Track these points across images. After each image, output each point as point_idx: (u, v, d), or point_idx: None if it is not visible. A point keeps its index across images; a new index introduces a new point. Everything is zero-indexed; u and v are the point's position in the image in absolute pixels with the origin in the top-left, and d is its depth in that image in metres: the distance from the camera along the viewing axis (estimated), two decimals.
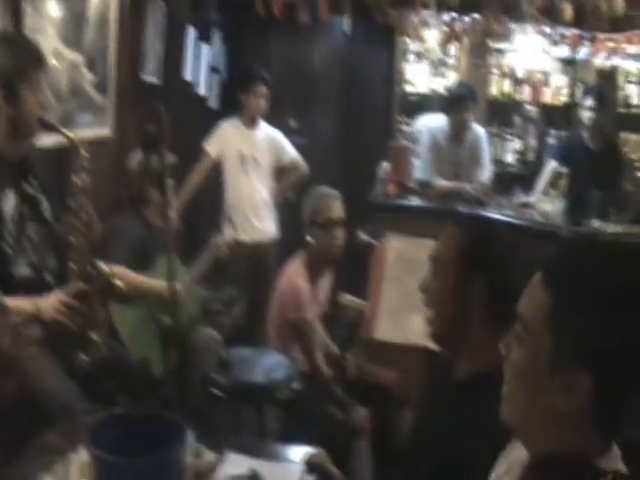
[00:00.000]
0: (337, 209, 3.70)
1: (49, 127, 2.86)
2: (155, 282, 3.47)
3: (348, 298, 3.70)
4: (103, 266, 2.85)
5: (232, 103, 5.37)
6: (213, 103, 6.21)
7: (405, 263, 3.00)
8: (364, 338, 3.15)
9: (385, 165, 5.50)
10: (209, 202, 5.35)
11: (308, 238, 3.70)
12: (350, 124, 6.65)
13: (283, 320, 3.64)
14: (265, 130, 5.25)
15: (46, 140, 3.10)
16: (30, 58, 2.79)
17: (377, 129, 6.47)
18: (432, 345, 2.46)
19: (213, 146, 5.09)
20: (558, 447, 1.29)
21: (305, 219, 3.72)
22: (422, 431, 2.13)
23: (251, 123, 5.17)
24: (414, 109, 6.39)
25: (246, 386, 3.25)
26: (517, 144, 6.60)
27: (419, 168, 5.56)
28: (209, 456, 2.16)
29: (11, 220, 2.75)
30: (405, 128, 6.44)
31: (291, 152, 5.27)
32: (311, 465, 2.21)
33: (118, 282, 2.91)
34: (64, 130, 2.89)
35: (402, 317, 2.87)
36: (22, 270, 2.76)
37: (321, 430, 3.01)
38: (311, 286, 3.67)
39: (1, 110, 2.72)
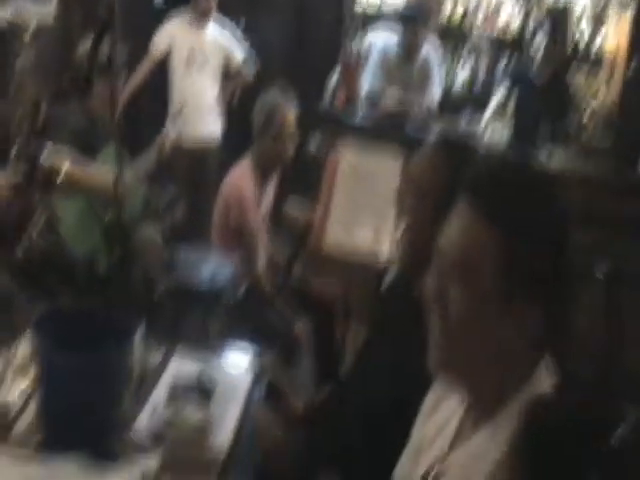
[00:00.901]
0: (290, 122, 3.57)
1: None
2: (99, 173, 3.31)
3: (293, 208, 3.59)
4: (46, 153, 2.68)
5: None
6: (159, 1, 5.91)
7: (358, 174, 2.92)
8: (310, 249, 3.08)
9: (334, 79, 5.36)
10: (153, 100, 5.13)
11: (257, 145, 3.58)
12: (301, 34, 6.42)
13: (227, 224, 3.54)
14: (215, 30, 5.04)
15: None
16: None
17: (327, 42, 6.28)
18: (381, 258, 2.43)
19: (161, 41, 4.87)
20: (500, 384, 1.25)
21: (256, 125, 3.59)
22: (372, 349, 2.10)
23: (201, 21, 4.95)
24: (366, 24, 6.21)
25: (190, 289, 3.15)
26: (466, 72, 6.50)
27: (368, 84, 5.43)
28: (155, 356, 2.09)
29: None
30: (355, 44, 6.27)
31: (239, 55, 5.08)
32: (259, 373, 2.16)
33: (60, 172, 2.74)
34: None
35: (352, 229, 2.80)
36: None
37: (264, 340, 2.96)
38: (257, 192, 3.57)
39: None
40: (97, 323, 1.87)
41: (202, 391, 1.92)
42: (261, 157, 3.59)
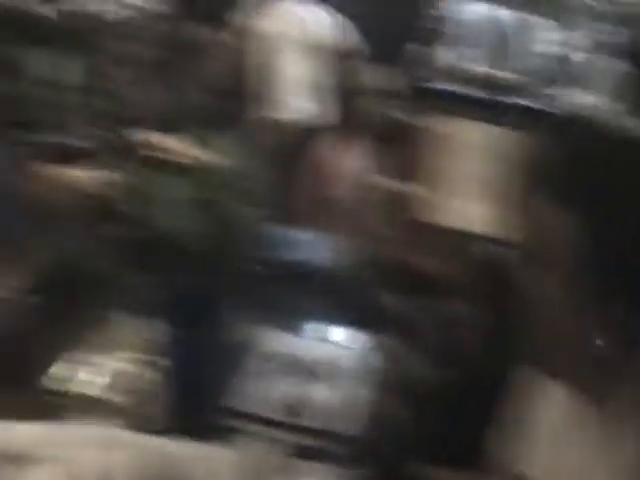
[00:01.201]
0: (373, 78, 3.49)
1: None
2: (193, 151, 3.32)
3: (383, 179, 3.50)
4: (138, 135, 2.66)
5: None
6: None
7: (462, 147, 2.81)
8: (413, 222, 2.99)
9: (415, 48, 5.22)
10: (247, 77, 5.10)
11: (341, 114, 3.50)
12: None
13: (313, 198, 3.46)
14: (308, 6, 4.96)
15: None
16: None
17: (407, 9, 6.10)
18: (490, 233, 2.32)
19: (251, 18, 4.81)
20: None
21: (338, 89, 3.51)
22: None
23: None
24: None
25: (287, 265, 3.10)
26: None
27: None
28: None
29: (40, 83, 2.56)
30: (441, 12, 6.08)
31: (333, 31, 4.99)
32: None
33: (154, 152, 2.72)
34: None
35: (463, 203, 2.70)
36: (46, 138, 2.59)
37: (367, 319, 2.89)
38: (343, 163, 3.47)
39: None
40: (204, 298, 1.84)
41: (317, 370, 1.88)
42: (345, 123, 3.51)
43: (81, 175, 2.41)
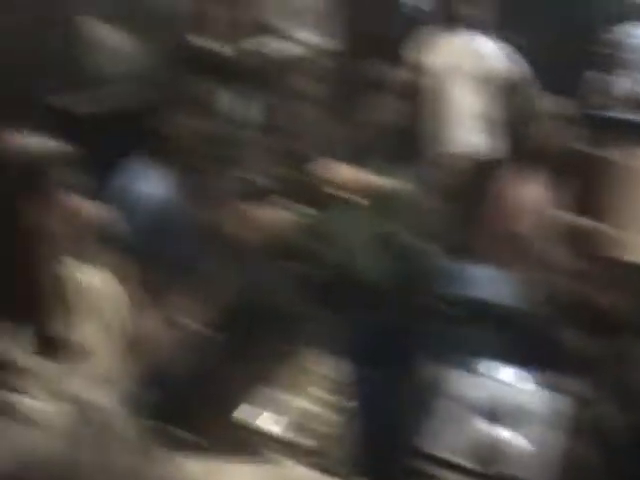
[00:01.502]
0: (553, 105, 3.41)
1: (270, 30, 2.74)
2: (377, 179, 3.37)
3: (564, 213, 3.39)
4: (318, 171, 2.70)
5: (441, 11, 5.07)
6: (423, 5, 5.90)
7: None
8: (595, 257, 2.87)
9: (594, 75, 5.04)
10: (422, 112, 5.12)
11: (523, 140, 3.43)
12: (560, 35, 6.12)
13: (498, 233, 3.40)
14: (478, 38, 4.92)
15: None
16: None
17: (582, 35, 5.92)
18: None
19: (423, 53, 4.83)
20: None
21: (517, 118, 3.45)
22: None
23: (464, 31, 4.85)
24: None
25: (472, 303, 3.05)
26: None
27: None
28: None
29: (227, 121, 2.67)
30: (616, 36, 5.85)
31: (504, 62, 4.91)
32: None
33: (341, 194, 2.76)
34: (289, 34, 2.76)
35: None
36: (238, 173, 2.69)
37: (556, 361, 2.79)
38: (523, 196, 3.40)
39: (222, 4, 2.63)
40: (392, 337, 1.83)
41: (504, 414, 1.82)
42: (522, 157, 3.44)
43: (267, 212, 2.48)
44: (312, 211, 2.65)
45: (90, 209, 1.76)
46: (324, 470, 1.69)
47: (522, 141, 3.53)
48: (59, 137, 1.72)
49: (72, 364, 1.66)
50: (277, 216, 2.52)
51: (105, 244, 1.82)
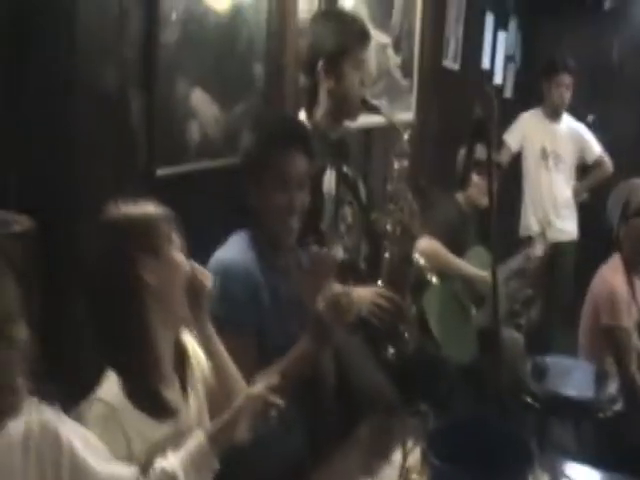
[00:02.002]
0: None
1: (371, 108, 2.76)
2: (470, 267, 3.39)
3: None
4: (419, 258, 2.69)
5: (530, 92, 5.09)
6: (508, 93, 5.94)
7: None
8: None
9: None
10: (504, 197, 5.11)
11: (622, 238, 3.35)
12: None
13: (596, 327, 3.33)
14: (569, 124, 4.90)
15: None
16: (355, 34, 2.70)
17: None
18: None
19: (513, 138, 4.83)
20: None
21: (615, 215, 3.39)
22: None
23: (554, 115, 4.84)
24: None
25: (559, 399, 2.96)
26: None
27: None
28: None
29: (330, 202, 2.68)
30: None
31: (596, 149, 4.87)
32: None
33: (433, 278, 2.74)
34: (386, 112, 2.78)
35: None
36: (336, 253, 2.69)
37: None
38: (628, 291, 3.32)
39: (324, 86, 2.67)
40: (487, 433, 1.76)
41: None
42: (628, 248, 3.36)
43: (362, 292, 2.46)
44: (407, 292, 2.62)
45: (198, 272, 1.77)
46: None
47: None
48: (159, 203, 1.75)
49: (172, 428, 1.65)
50: (372, 297, 2.49)
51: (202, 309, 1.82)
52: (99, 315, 1.65)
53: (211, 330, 1.83)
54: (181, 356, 1.77)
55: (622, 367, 3.21)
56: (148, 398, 1.60)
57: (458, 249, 3.44)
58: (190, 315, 1.76)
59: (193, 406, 1.76)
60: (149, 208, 1.72)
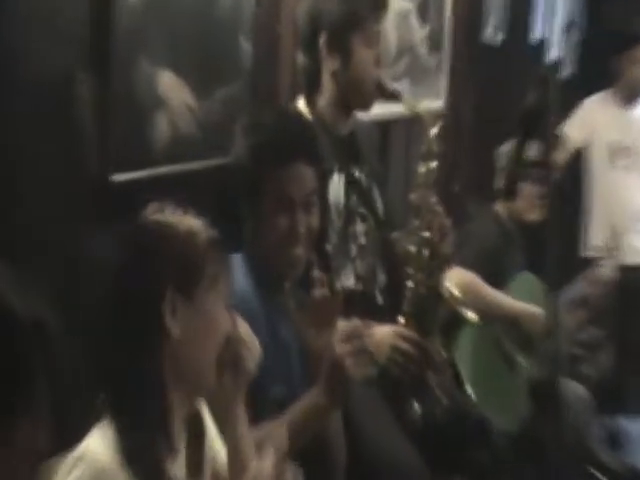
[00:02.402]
0: None
1: (388, 94, 2.78)
2: (516, 302, 3.38)
3: None
4: (452, 289, 2.71)
5: (597, 71, 5.10)
6: (568, 71, 5.95)
7: None
8: None
9: None
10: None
11: None
12: None
13: None
14: None
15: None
16: (369, 2, 2.73)
17: None
18: None
19: (576, 130, 4.83)
20: None
21: None
22: None
23: (629, 100, 4.86)
24: None
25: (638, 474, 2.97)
26: None
27: None
28: None
29: (338, 215, 2.69)
30: None
31: None
32: None
33: (471, 314, 2.75)
34: (409, 100, 2.80)
35: None
36: (346, 281, 2.71)
37: None
38: None
39: (328, 67, 2.69)
40: None
41: None
42: None
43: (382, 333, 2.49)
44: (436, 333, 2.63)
45: (244, 335, 1.76)
46: None
47: None
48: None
49: None
50: (391, 338, 2.51)
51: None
52: (102, 352, 1.64)
53: (242, 418, 1.80)
54: (195, 432, 1.74)
55: None
56: (147, 464, 1.57)
57: (499, 278, 3.43)
58: (219, 389, 1.73)
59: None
60: (195, 223, 1.68)
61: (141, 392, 1.59)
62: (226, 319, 1.69)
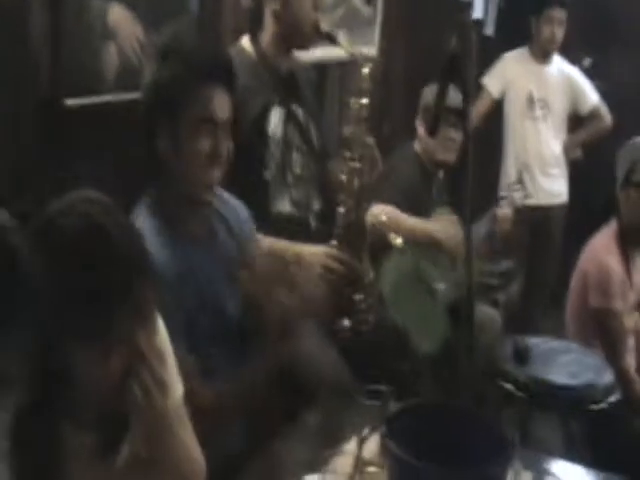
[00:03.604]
0: None
1: (325, 37, 2.73)
2: (435, 225, 3.37)
3: None
4: (380, 215, 2.68)
5: (513, 30, 5.06)
6: (489, 29, 5.92)
7: None
8: None
9: None
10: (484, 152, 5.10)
11: (621, 202, 3.37)
12: None
13: (585, 308, 3.36)
14: (560, 67, 4.89)
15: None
16: None
17: None
18: None
19: (494, 83, 4.80)
20: None
21: (618, 178, 3.40)
22: None
23: (543, 57, 4.82)
24: None
25: (545, 387, 2.97)
26: None
27: None
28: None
29: (277, 145, 2.65)
30: None
31: (592, 97, 4.88)
32: None
33: (396, 239, 2.73)
34: (344, 43, 2.74)
35: None
36: (282, 206, 2.68)
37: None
38: (624, 268, 3.35)
39: (269, 7, 2.64)
40: (458, 421, 1.76)
41: None
42: (626, 220, 3.38)
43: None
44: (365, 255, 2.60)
45: None
46: None
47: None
48: None
49: None
50: (321, 258, 2.47)
51: None
52: None
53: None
54: None
55: (613, 355, 3.24)
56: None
57: (419, 212, 3.38)
58: None
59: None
60: None
61: None
62: None
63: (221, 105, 2.11)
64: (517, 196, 4.04)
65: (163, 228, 2.08)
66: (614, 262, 3.31)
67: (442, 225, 3.38)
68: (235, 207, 2.31)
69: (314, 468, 1.87)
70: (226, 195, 2.28)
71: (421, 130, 3.53)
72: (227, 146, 2.13)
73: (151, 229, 2.05)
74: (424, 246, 3.34)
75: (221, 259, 2.21)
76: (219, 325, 2.13)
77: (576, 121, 4.94)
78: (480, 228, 3.78)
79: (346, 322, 2.58)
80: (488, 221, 3.67)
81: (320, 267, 2.46)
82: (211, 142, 2.09)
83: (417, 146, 3.57)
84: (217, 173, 2.13)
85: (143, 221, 2.05)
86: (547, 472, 2.03)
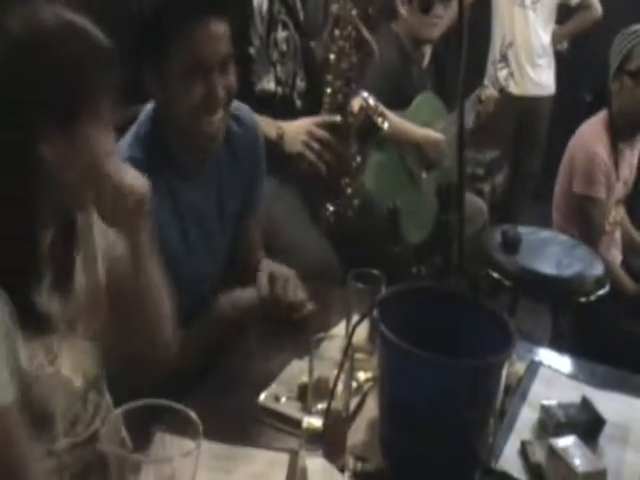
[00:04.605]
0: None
1: None
2: (419, 129, 3.19)
3: None
4: (368, 97, 2.48)
5: None
6: None
7: None
8: None
9: None
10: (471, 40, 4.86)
11: (613, 92, 3.18)
12: None
13: (570, 193, 3.20)
14: None
15: None
16: None
17: None
18: None
19: None
20: None
21: (611, 67, 3.20)
22: None
23: None
24: None
25: (534, 276, 2.83)
26: None
27: None
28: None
29: (261, 20, 2.42)
30: None
31: None
32: None
33: (383, 121, 2.53)
34: None
35: None
36: (266, 84, 2.47)
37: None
38: (612, 159, 3.17)
39: None
40: (455, 305, 1.59)
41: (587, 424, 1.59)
42: (618, 109, 3.19)
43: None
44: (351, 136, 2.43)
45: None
46: None
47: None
48: None
49: None
50: (305, 132, 2.33)
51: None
52: None
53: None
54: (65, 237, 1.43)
55: (590, 245, 3.09)
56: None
57: (402, 97, 3.20)
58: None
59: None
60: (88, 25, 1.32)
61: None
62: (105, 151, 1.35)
63: (214, 44, 1.73)
64: (501, 75, 3.82)
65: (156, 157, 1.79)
66: (602, 151, 3.14)
67: (426, 131, 3.22)
68: (246, 131, 2.01)
69: (302, 354, 1.72)
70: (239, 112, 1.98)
71: (404, 10, 3.30)
72: (227, 85, 1.78)
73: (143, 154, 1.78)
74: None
75: (216, 195, 1.96)
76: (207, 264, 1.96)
77: (566, 11, 4.72)
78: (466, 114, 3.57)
79: (330, 207, 2.45)
80: (473, 103, 3.46)
81: (306, 134, 2.33)
82: (203, 89, 1.74)
83: (396, 27, 3.34)
84: (217, 116, 1.79)
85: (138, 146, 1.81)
86: (539, 362, 1.88)
